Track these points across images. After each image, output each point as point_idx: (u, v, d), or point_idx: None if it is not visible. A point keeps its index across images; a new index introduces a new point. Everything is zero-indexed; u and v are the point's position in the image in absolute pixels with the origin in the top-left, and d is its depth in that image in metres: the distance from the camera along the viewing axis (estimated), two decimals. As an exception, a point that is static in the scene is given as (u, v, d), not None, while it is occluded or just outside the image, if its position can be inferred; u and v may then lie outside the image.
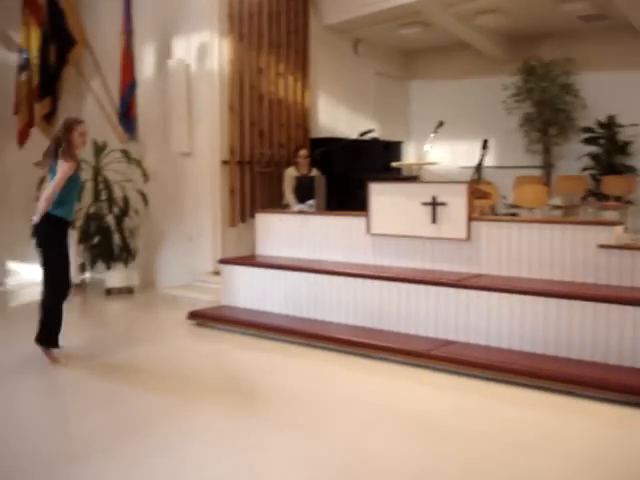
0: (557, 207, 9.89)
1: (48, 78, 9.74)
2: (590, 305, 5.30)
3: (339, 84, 11.06)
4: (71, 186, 5.95)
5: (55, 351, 6.05)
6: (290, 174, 9.10)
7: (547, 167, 11.17)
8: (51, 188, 5.83)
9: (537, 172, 11.10)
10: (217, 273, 8.41)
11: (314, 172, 9.09)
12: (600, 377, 4.94)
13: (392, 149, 11.04)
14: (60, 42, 9.81)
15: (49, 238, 5.97)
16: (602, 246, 5.74)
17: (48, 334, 6.02)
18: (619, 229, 5.93)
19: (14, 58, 9.87)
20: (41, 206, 5.89)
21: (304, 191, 8.06)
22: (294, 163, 9.28)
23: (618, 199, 9.88)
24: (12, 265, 10.35)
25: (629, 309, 5.15)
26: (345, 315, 6.78)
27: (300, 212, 7.85)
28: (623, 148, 10.44)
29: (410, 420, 4.57)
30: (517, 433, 4.30)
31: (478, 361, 5.45)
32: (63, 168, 5.81)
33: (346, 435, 4.32)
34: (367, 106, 11.80)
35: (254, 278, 7.54)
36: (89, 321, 8.24)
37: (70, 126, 5.96)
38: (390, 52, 12.46)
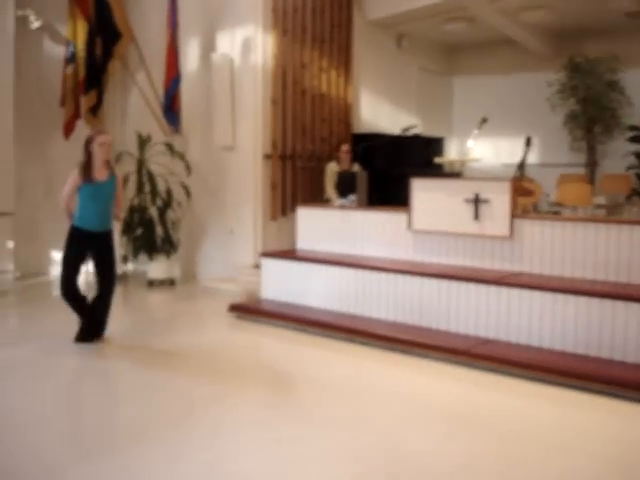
0: (601, 206, 9.77)
1: (94, 71, 9.88)
2: (635, 306, 5.22)
3: (382, 79, 11.04)
4: (83, 197, 6.18)
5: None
6: (332, 169, 9.11)
7: (591, 165, 11.04)
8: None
9: (581, 170, 10.97)
10: (258, 266, 8.46)
11: (356, 167, 9.10)
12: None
13: (434, 145, 10.99)
14: (106, 35, 9.95)
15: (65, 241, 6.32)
16: (648, 246, 5.67)
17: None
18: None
19: (61, 51, 10.02)
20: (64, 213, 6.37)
21: (345, 186, 8.07)
22: (336, 158, 9.29)
23: (663, 199, 9.73)
24: (56, 255, 10.51)
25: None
26: (385, 311, 6.78)
27: (341, 207, 7.87)
28: (669, 147, 10.29)
29: (449, 417, 4.57)
30: (554, 433, 4.27)
31: (518, 360, 5.42)
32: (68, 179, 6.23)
33: (385, 431, 4.33)
34: (409, 102, 11.77)
35: (294, 272, 7.57)
36: (131, 312, 8.34)
37: (90, 138, 6.21)
38: (433, 47, 12.41)
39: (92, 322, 6.36)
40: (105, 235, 6.36)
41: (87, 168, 6.14)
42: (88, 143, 6.16)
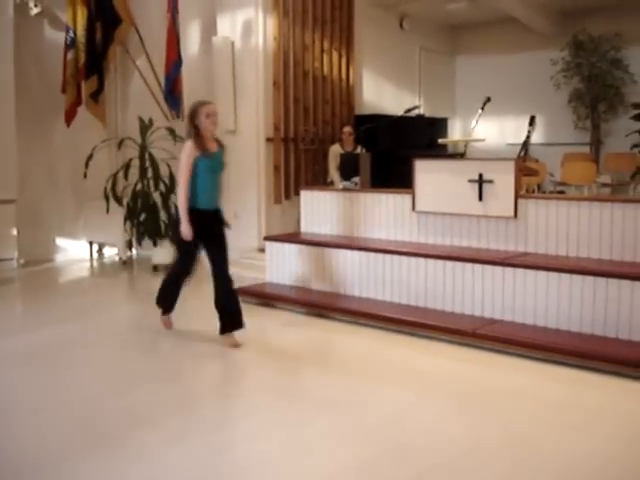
0: (606, 185, 9.73)
1: (94, 57, 9.85)
2: (640, 285, 5.21)
3: (384, 60, 10.99)
4: (202, 171, 5.56)
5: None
6: (335, 151, 9.08)
7: (596, 144, 10.99)
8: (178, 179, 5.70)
9: (585, 149, 10.92)
10: (262, 250, 8.43)
11: (359, 149, 9.05)
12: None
13: (437, 126, 10.95)
14: (106, 21, 9.91)
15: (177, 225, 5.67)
16: (653, 224, 5.64)
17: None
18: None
19: (61, 37, 9.97)
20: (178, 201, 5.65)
21: (349, 168, 8.02)
22: (339, 140, 9.25)
23: None
24: (61, 242, 10.52)
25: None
26: (390, 293, 6.77)
27: (345, 189, 7.83)
28: (674, 124, 10.22)
29: (455, 398, 4.56)
30: (562, 413, 4.26)
31: (524, 340, 5.40)
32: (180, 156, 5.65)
33: (394, 412, 4.32)
34: (412, 82, 11.72)
35: (299, 255, 7.56)
36: (135, 297, 8.35)
37: (194, 111, 5.59)
38: (435, 27, 12.33)
39: (226, 314, 5.79)
40: (220, 213, 5.83)
41: (199, 141, 5.55)
42: (192, 116, 5.57)
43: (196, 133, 5.56)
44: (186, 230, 5.50)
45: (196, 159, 5.52)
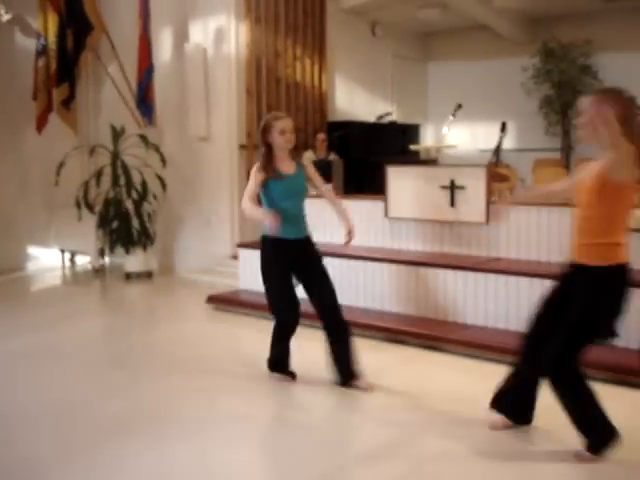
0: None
1: (66, 63, 9.78)
2: (610, 289, 5.26)
3: (357, 67, 11.02)
4: (275, 196, 4.87)
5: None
6: (308, 158, 9.08)
7: (566, 150, 11.09)
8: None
9: (556, 155, 11.01)
10: (236, 257, 8.42)
11: (332, 156, 9.08)
12: (617, 361, 4.93)
13: (410, 132, 11.00)
14: (77, 27, 9.82)
15: (260, 261, 5.17)
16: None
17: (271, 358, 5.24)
18: (638, 212, 5.87)
19: (32, 44, 9.91)
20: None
21: (322, 175, 8.02)
22: (312, 147, 9.26)
23: (638, 182, 9.79)
24: (32, 250, 10.43)
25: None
26: (363, 299, 6.78)
27: (317, 196, 7.83)
28: (643, 130, 10.34)
29: (427, 404, 4.58)
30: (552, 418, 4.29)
31: (496, 345, 5.43)
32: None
33: (367, 414, 4.33)
34: (385, 89, 11.76)
35: (272, 262, 7.54)
36: (108, 306, 8.30)
37: (266, 125, 4.90)
38: (408, 34, 12.39)
39: (340, 366, 4.97)
40: (308, 241, 5.08)
41: (269, 161, 4.87)
42: (264, 132, 4.88)
43: (267, 152, 4.88)
44: (268, 217, 4.64)
45: (267, 182, 4.83)
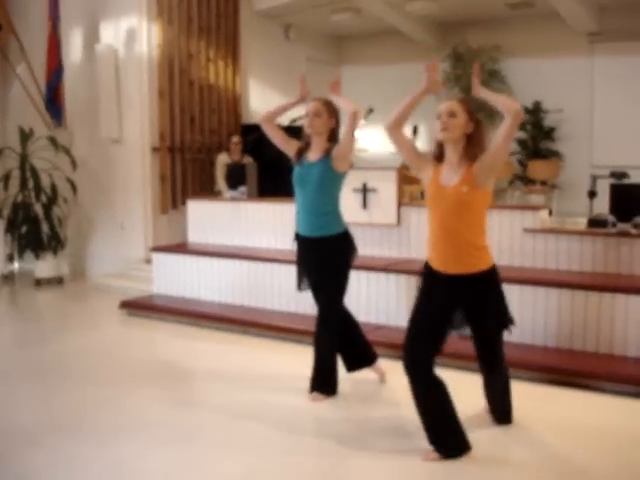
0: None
1: (-29, 63, 9.50)
2: (516, 288, 5.43)
3: (270, 70, 11.03)
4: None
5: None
6: (222, 160, 9.07)
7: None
8: None
9: (466, 157, 11.26)
10: (149, 261, 8.33)
11: (246, 158, 9.08)
12: (531, 358, 5.10)
13: (324, 135, 11.05)
14: (-16, 27, 9.57)
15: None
16: (527, 230, 5.90)
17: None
18: (544, 213, 6.09)
19: None
20: None
21: (236, 178, 8.04)
22: (226, 149, 9.24)
23: (544, 183, 10.15)
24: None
25: (553, 291, 5.32)
26: (278, 301, 6.81)
27: (232, 199, 7.84)
28: (548, 133, 10.72)
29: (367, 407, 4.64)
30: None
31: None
32: None
33: (285, 420, 4.36)
34: (298, 92, 11.78)
35: (186, 266, 7.51)
36: (18, 313, 8.08)
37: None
38: (321, 37, 12.48)
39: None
40: (319, 242, 4.65)
41: (304, 144, 4.76)
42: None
43: (305, 136, 4.72)
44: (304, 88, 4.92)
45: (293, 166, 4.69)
